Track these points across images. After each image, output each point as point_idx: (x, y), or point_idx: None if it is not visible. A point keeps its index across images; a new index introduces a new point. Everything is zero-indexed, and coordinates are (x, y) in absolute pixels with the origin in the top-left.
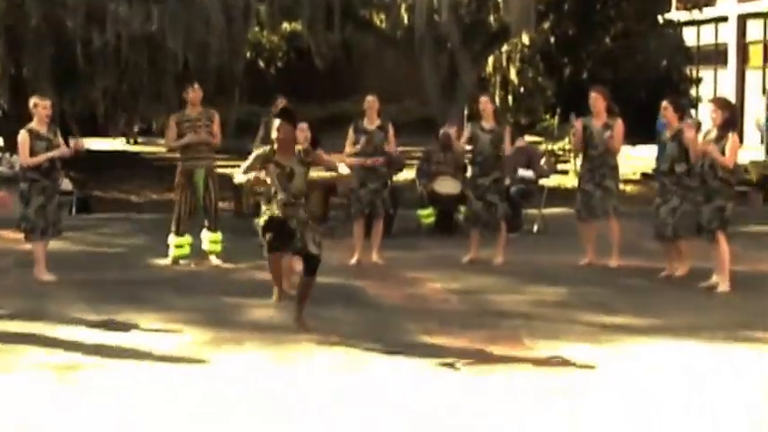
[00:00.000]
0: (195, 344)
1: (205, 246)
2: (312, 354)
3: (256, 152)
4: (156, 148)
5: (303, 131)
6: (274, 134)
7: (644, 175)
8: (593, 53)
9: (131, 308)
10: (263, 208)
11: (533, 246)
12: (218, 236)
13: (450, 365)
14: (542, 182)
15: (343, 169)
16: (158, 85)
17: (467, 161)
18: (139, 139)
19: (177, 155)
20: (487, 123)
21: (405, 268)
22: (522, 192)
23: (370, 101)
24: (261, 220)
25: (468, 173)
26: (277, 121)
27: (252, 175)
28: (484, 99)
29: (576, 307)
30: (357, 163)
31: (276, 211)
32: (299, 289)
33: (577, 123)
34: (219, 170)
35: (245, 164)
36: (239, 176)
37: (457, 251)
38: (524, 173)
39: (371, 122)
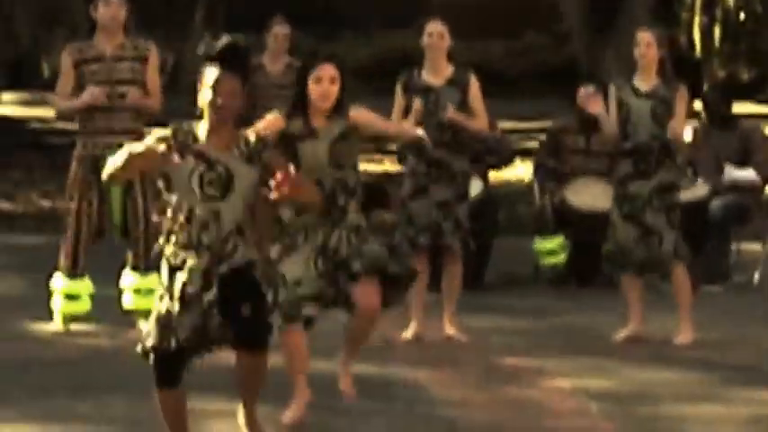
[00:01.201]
0: None
1: (128, 299)
2: None
3: (157, 132)
4: (48, 112)
5: (329, 76)
6: (206, 95)
7: None
8: None
9: None
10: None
11: (750, 312)
12: (154, 281)
13: None
14: None
15: (412, 131)
16: None
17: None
18: (18, 95)
19: (75, 126)
20: (646, 81)
21: (505, 350)
22: (731, 208)
23: (435, 32)
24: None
25: (617, 173)
26: (213, 71)
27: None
28: (644, 36)
29: None
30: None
31: (182, 279)
32: (241, 385)
33: None
34: None
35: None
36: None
37: (605, 318)
38: (738, 174)
39: (437, 73)
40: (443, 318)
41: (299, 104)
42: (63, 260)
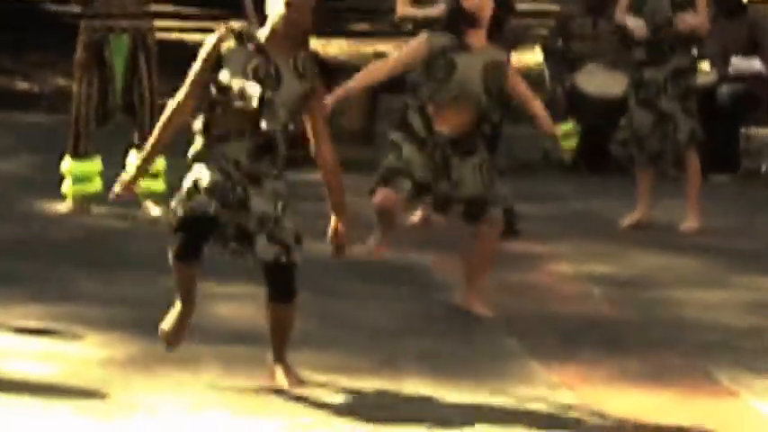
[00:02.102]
0: (106, 367)
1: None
2: (306, 406)
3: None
4: None
5: None
6: (278, 6)
7: None
8: None
9: None
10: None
11: (758, 199)
12: (159, 163)
13: None
14: None
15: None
16: None
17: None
18: None
19: (78, 8)
20: None
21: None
22: (739, 95)
23: None
24: (181, 194)
25: (631, 59)
26: None
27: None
28: None
29: None
30: None
31: (210, 172)
32: (272, 325)
33: None
34: (165, 36)
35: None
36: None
37: (612, 204)
38: (744, 64)
39: None
40: None
41: (451, 21)
42: (70, 142)
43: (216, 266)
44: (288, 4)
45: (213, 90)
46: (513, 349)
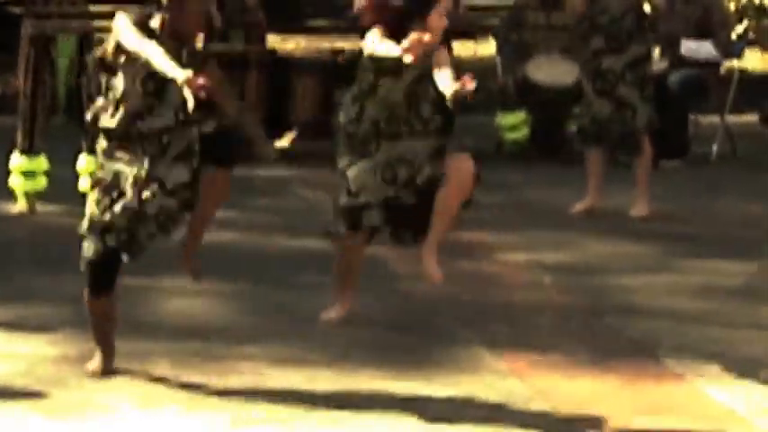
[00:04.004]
0: (58, 365)
1: (84, 183)
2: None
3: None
4: None
5: None
6: None
7: None
8: None
9: None
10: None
11: (707, 184)
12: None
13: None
14: (730, 64)
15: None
16: None
17: (585, 27)
18: None
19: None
20: None
21: (463, 225)
22: (689, 82)
23: None
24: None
25: (587, 49)
26: None
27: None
28: None
29: None
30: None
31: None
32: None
33: None
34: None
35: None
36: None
37: (563, 192)
38: (696, 47)
39: None
40: None
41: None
42: (18, 138)
43: (166, 262)
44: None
45: None
46: (464, 338)
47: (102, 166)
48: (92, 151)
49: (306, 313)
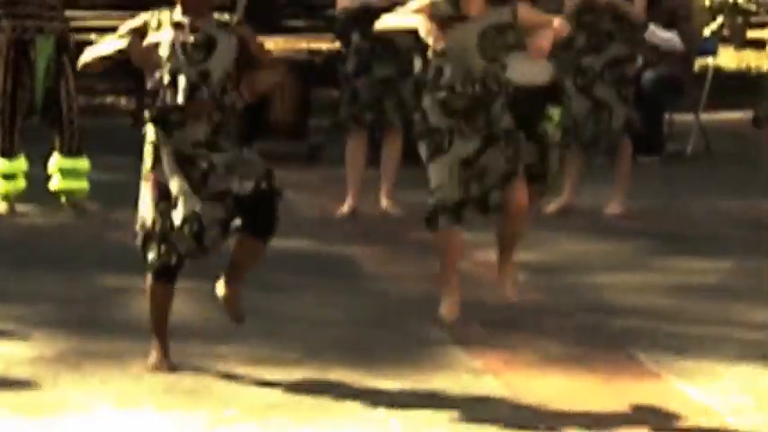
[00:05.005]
0: (35, 365)
1: (56, 181)
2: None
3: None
4: None
5: None
6: None
7: None
8: None
9: None
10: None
11: (681, 181)
12: (83, 163)
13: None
14: (704, 62)
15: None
16: None
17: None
18: None
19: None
20: None
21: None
22: (664, 80)
23: None
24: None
25: (567, 47)
26: None
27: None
28: None
29: (748, 299)
30: None
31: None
32: (237, 260)
33: None
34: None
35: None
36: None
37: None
38: (659, 35)
39: None
40: (380, 193)
41: None
42: None
43: (141, 263)
44: None
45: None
46: (438, 337)
47: None
48: (62, 150)
49: (281, 313)
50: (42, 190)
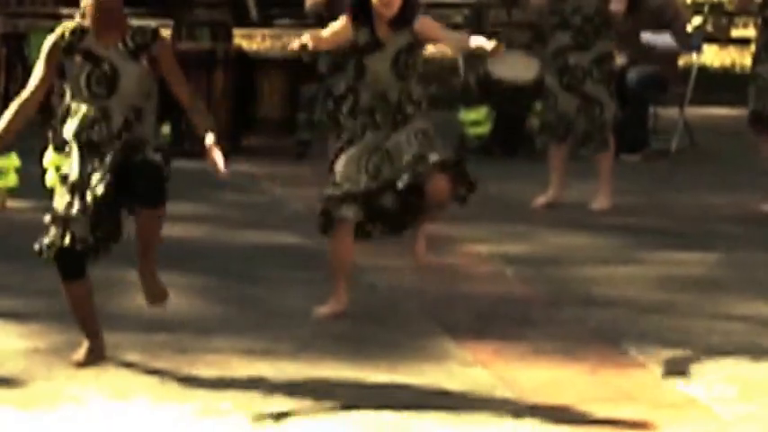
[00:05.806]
0: (29, 358)
1: (50, 177)
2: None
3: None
4: None
5: None
6: None
7: None
8: None
9: None
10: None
11: (667, 177)
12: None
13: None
14: (688, 58)
15: (475, 41)
16: None
17: (550, 24)
18: None
19: None
20: None
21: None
22: (648, 77)
23: None
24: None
25: (552, 45)
26: None
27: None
28: None
29: (734, 291)
30: None
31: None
32: (139, 235)
33: None
34: None
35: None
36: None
37: (525, 186)
38: (655, 39)
39: None
40: None
41: (360, 13)
42: None
43: (133, 254)
44: None
45: None
46: (429, 329)
47: None
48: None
49: (272, 306)
50: (37, 185)
